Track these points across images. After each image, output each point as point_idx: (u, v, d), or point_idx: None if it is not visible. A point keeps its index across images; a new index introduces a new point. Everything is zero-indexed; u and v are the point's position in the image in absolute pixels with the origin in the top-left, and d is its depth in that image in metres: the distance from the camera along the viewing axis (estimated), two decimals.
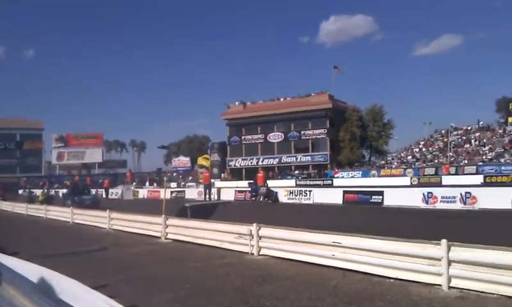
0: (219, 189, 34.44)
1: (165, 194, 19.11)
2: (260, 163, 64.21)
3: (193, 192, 36.75)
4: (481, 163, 42.66)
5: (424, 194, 21.26)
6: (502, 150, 45.31)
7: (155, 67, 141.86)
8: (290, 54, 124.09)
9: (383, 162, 57.06)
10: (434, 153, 51.75)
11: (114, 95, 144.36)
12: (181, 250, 11.81)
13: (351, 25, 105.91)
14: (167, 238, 13.38)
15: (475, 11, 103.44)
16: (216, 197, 31.13)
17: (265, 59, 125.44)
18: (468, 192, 19.57)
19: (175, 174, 65.47)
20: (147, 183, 54.40)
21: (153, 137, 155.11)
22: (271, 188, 29.61)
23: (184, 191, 39.79)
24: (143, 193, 41.92)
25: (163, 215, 13.80)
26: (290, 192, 28.76)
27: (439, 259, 6.77)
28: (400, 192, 25.16)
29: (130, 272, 9.16)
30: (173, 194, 37.19)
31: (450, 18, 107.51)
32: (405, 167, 48.65)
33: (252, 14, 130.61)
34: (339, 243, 8.33)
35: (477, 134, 52.22)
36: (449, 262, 6.66)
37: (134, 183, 49.16)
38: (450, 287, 6.61)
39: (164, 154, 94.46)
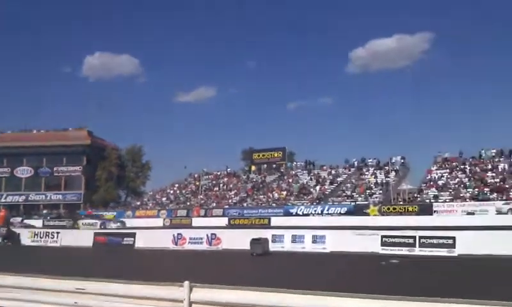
0: None
1: None
2: (2, 200, 57.12)
3: None
4: (227, 206, 46.62)
5: (174, 235, 22.07)
6: (245, 195, 50.50)
7: None
8: (50, 83, 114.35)
9: (138, 202, 57.16)
10: (187, 196, 54.35)
11: None
12: None
13: (117, 63, 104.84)
14: None
15: (229, 68, 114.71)
16: None
17: (21, 86, 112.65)
18: (214, 234, 21.13)
19: None
20: None
21: None
22: (13, 229, 26.49)
23: None
24: None
25: None
26: (35, 234, 26.23)
27: (181, 301, 6.95)
28: (152, 234, 25.60)
29: None
30: None
31: (207, 71, 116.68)
32: (159, 208, 49.68)
33: (9, 33, 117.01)
34: (83, 289, 7.85)
35: (225, 179, 57.18)
36: (190, 304, 6.90)
37: None
38: None
39: None
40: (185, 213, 45.54)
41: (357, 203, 40.77)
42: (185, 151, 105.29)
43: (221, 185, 55.61)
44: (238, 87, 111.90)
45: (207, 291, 7.01)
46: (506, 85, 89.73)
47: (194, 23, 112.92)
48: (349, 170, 51.12)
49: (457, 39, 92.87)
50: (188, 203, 50.79)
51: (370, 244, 18.21)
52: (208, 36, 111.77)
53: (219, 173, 59.47)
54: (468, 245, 16.67)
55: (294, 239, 19.49)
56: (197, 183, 54.74)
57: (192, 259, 17.67)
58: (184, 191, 56.41)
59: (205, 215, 43.73)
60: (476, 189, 38.18)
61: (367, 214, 37.01)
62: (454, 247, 16.73)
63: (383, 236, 18.32)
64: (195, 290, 7.00)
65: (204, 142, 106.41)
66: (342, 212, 38.56)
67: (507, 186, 37.47)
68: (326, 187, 47.30)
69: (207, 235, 21.11)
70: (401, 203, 39.74)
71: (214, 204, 48.61)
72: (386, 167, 46.29)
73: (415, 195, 40.89)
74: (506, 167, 40.99)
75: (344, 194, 44.58)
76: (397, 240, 18.04)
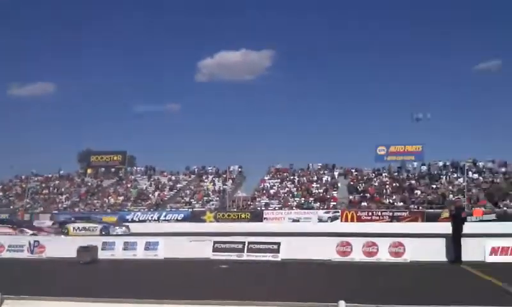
0: None
1: None
2: None
3: None
4: (56, 211, 43.52)
5: None
6: (78, 200, 47.74)
7: None
8: None
9: None
10: (10, 198, 49.46)
11: None
12: None
13: None
14: None
15: (71, 64, 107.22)
16: None
17: None
18: (37, 241, 19.57)
19: None
20: None
21: None
22: None
23: None
24: None
25: None
26: None
27: None
28: None
29: None
30: None
31: (43, 66, 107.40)
32: None
33: None
34: None
35: (57, 182, 53.34)
36: None
37: None
38: None
39: None
40: (7, 217, 41.23)
41: (194, 209, 41.53)
42: (14, 150, 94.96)
43: (51, 188, 51.75)
44: (79, 84, 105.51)
45: (20, 304, 6.61)
46: (335, 103, 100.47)
47: (33, 13, 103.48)
48: (190, 177, 51.83)
49: (295, 59, 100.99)
50: (11, 207, 46.22)
51: (203, 249, 18.67)
52: (49, 26, 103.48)
53: (50, 176, 55.24)
54: (291, 250, 18.15)
55: (126, 246, 19.03)
56: (23, 186, 50.11)
57: (8, 268, 16.14)
58: (7, 193, 51.19)
59: (30, 219, 40.29)
60: (302, 198, 41.82)
61: (204, 220, 38.02)
62: (279, 252, 18.07)
63: (215, 242, 18.94)
64: (7, 303, 6.56)
65: (37, 141, 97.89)
66: (179, 219, 38.95)
67: (328, 196, 41.79)
68: (166, 193, 47.25)
69: (29, 242, 19.43)
70: (235, 210, 41.60)
71: (42, 209, 45.05)
72: (225, 175, 48.07)
73: (249, 202, 43.20)
74: (329, 179, 45.75)
75: (183, 200, 45.02)
76: (227, 245, 18.83)
